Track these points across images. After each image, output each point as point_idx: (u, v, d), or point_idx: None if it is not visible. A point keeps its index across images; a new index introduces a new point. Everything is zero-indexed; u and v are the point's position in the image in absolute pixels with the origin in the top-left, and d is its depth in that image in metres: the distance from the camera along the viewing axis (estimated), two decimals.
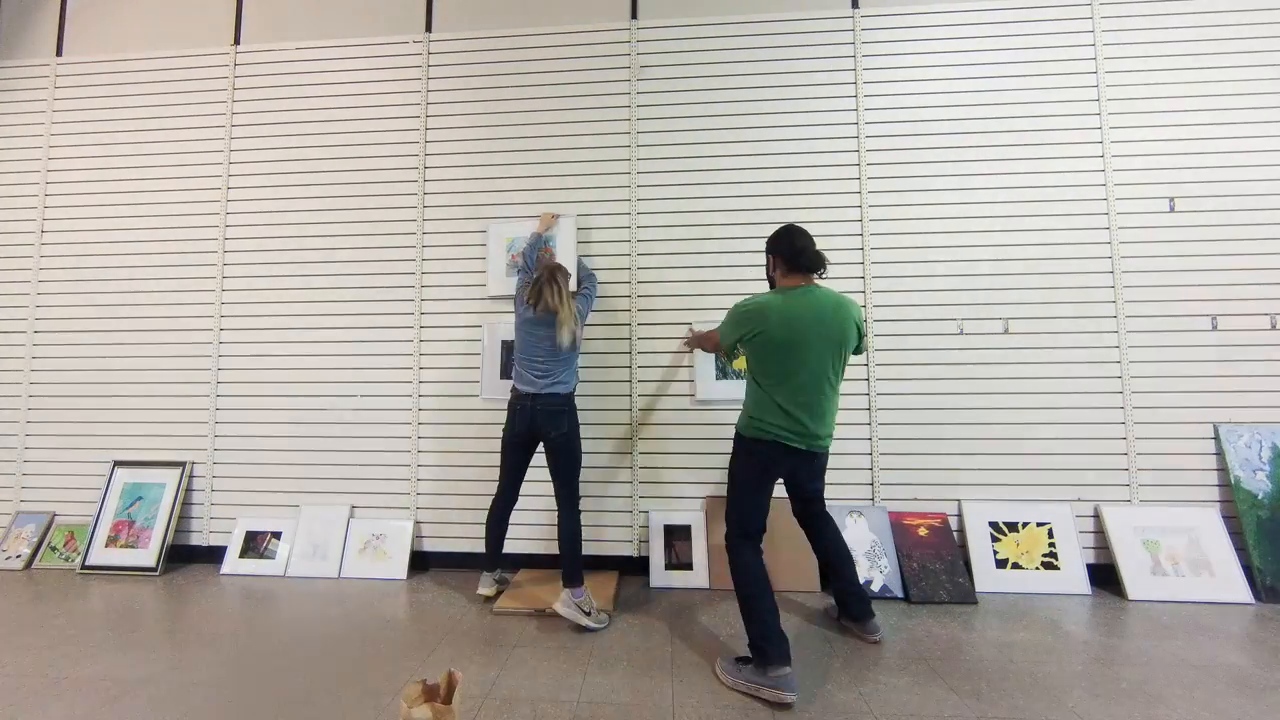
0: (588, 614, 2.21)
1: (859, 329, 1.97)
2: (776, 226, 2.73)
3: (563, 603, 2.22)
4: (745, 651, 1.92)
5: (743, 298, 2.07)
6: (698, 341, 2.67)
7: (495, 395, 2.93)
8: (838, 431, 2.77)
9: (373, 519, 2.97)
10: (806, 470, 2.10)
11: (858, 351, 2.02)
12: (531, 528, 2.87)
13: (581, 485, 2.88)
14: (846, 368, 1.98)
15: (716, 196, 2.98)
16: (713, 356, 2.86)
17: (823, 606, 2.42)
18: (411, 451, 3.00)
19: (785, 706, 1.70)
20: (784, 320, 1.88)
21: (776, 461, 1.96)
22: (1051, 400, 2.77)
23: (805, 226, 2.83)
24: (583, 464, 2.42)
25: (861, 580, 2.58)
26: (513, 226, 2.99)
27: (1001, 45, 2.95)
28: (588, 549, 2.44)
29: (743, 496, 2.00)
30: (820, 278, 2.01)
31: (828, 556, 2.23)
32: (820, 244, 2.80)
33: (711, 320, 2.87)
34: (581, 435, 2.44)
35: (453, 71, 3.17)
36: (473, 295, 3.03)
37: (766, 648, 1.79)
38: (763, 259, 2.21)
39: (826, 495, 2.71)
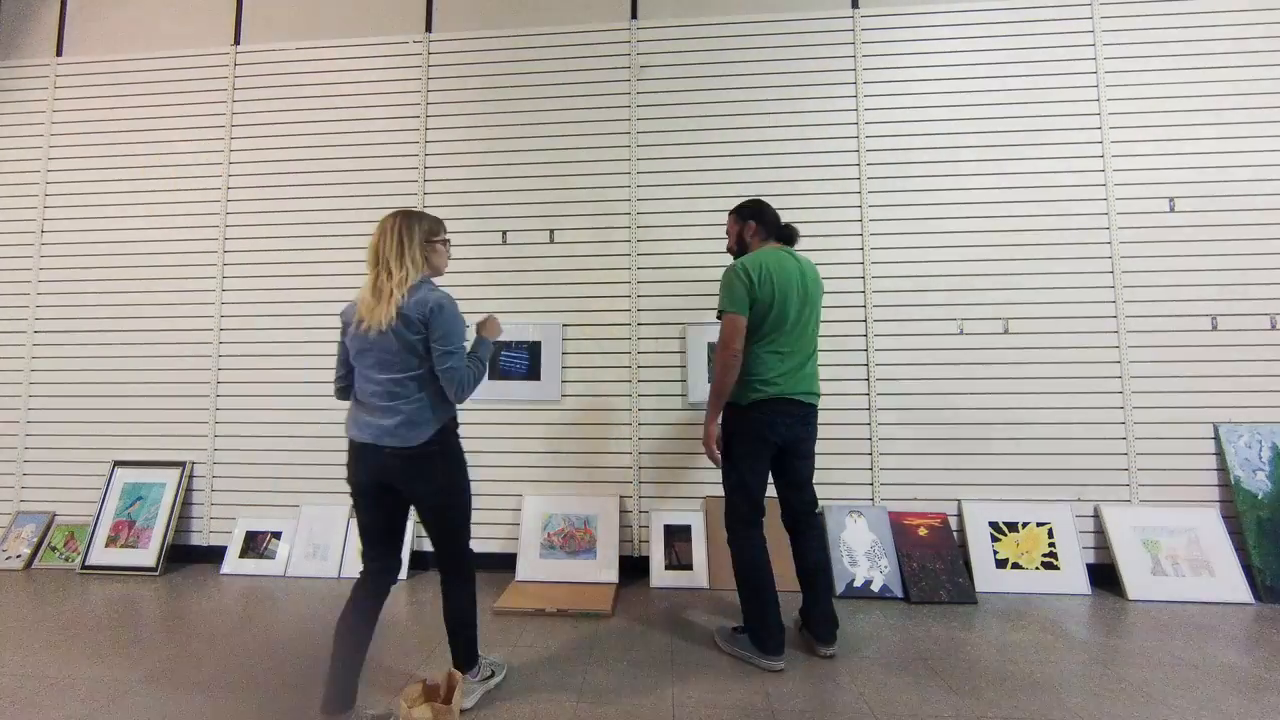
0: (490, 676, 1.81)
1: (820, 284, 2.10)
2: None
3: (465, 694, 1.65)
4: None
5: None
6: (712, 422, 2.04)
7: (487, 395, 2.95)
8: (838, 431, 2.80)
9: None
10: (800, 435, 1.99)
11: None
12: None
13: (582, 486, 2.91)
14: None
15: (716, 196, 2.98)
16: (705, 359, 2.86)
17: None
18: None
19: (777, 671, 1.89)
20: (776, 276, 1.95)
21: (772, 427, 1.94)
22: (1051, 400, 2.77)
23: (805, 226, 2.88)
24: (471, 512, 1.73)
25: (861, 581, 2.59)
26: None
27: (1001, 45, 2.95)
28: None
29: (742, 471, 1.97)
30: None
31: (809, 571, 2.03)
32: (820, 244, 2.90)
33: (710, 319, 2.88)
34: (461, 468, 1.71)
35: (453, 71, 3.17)
36: (473, 295, 3.03)
37: (766, 639, 1.91)
38: (738, 211, 2.18)
39: (827, 495, 2.73)
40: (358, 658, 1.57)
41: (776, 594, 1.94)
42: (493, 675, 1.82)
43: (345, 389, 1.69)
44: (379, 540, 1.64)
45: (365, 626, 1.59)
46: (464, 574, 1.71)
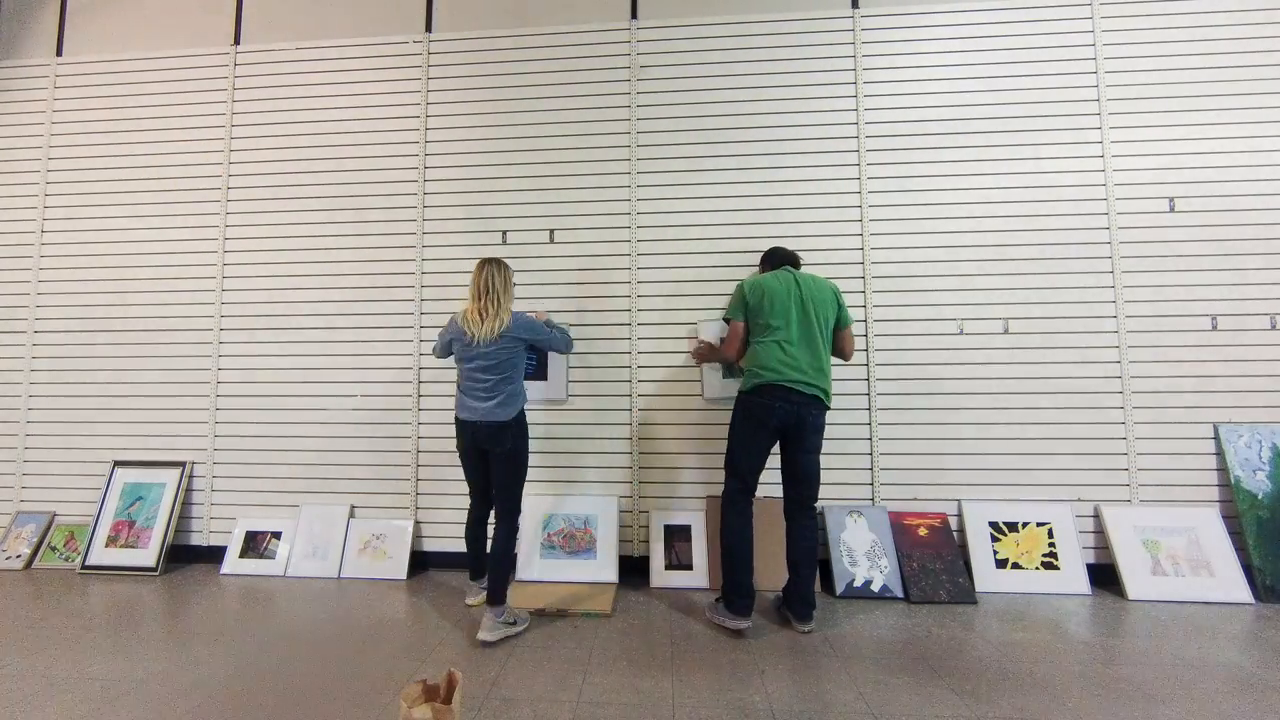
0: (513, 624, 2.19)
1: (834, 294, 2.33)
2: (777, 226, 3.05)
3: (487, 629, 2.10)
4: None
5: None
6: (707, 354, 2.65)
7: None
8: (839, 431, 2.79)
9: (373, 519, 2.97)
10: (800, 421, 2.20)
11: (841, 324, 2.33)
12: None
13: (582, 486, 2.91)
14: (833, 334, 2.33)
15: (716, 196, 2.98)
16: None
17: (822, 604, 2.43)
18: (411, 451, 3.00)
19: (739, 633, 2.17)
20: (772, 287, 2.30)
21: (769, 411, 2.20)
22: (1051, 400, 2.77)
23: (805, 226, 2.93)
24: (528, 476, 2.35)
25: (861, 581, 2.59)
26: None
27: (1001, 45, 2.95)
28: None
29: (735, 449, 2.28)
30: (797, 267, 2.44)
31: (795, 557, 2.26)
32: (820, 244, 2.95)
33: (713, 317, 2.88)
34: (527, 441, 2.34)
35: (453, 71, 3.17)
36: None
37: (735, 601, 2.19)
38: (759, 259, 2.60)
39: (827, 495, 2.72)
40: (482, 550, 2.43)
41: (750, 563, 2.22)
42: (515, 623, 2.19)
43: (445, 355, 2.43)
44: (478, 486, 2.40)
45: (481, 533, 2.44)
46: (513, 517, 2.26)
